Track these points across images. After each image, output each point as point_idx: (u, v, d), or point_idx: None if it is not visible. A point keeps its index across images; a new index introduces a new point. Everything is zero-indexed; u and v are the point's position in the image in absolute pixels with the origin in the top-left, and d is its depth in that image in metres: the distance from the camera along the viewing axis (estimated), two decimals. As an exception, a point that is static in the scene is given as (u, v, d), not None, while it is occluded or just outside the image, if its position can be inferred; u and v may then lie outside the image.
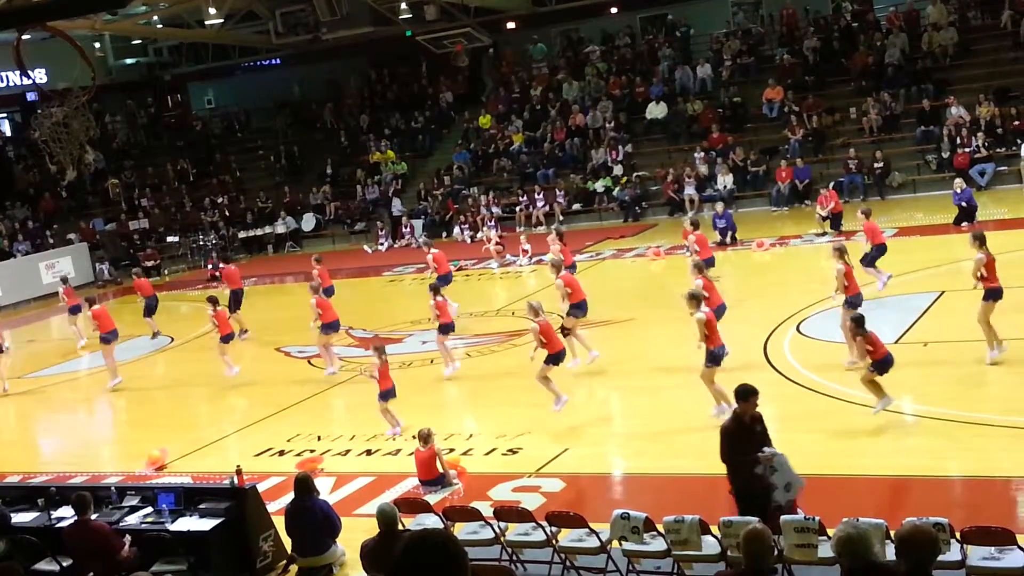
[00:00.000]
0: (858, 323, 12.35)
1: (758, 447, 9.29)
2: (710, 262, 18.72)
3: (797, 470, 9.42)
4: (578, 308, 16.52)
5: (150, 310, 22.75)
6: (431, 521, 9.92)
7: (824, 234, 24.02)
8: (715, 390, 12.96)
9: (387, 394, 14.02)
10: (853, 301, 14.38)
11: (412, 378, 16.40)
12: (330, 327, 17.87)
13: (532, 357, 14.13)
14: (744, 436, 9.34)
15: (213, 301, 18.58)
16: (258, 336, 21.64)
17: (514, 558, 9.63)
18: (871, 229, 17.96)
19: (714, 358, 13.04)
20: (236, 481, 10.60)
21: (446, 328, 16.73)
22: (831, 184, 26.81)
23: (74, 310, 22.90)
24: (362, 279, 27.15)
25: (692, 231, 19.68)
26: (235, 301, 21.78)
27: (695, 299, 13.30)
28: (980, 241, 13.98)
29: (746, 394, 9.45)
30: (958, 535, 8.07)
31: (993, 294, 13.68)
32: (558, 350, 14.07)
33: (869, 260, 17.61)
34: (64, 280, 24.44)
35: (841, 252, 14.64)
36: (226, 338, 18.44)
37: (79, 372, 21.18)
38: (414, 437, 13.09)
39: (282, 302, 22.16)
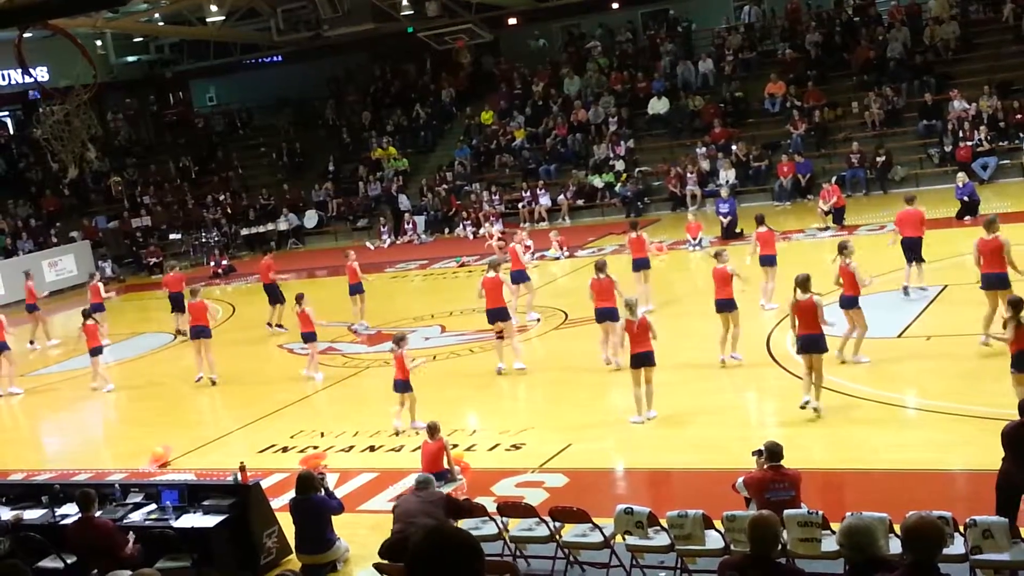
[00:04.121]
0: (1016, 307, 11.48)
1: None
2: (770, 260, 17.82)
3: (799, 465, 9.40)
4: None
5: (180, 306, 22.60)
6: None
7: (827, 229, 24.02)
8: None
9: (399, 385, 14.06)
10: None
11: (413, 373, 16.33)
12: (196, 332, 18.10)
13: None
14: None
15: (85, 314, 18.99)
16: (260, 333, 21.66)
17: (517, 554, 9.64)
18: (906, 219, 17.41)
19: None
20: (240, 478, 10.61)
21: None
22: (833, 179, 26.80)
23: (96, 308, 22.87)
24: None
25: (759, 225, 18.39)
26: (272, 296, 21.74)
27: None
28: (842, 250, 14.46)
29: None
30: (961, 528, 8.08)
31: (849, 302, 14.30)
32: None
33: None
34: (92, 276, 24.36)
35: (719, 255, 15.48)
36: (95, 351, 18.64)
37: (81, 370, 21.15)
38: (417, 433, 13.11)
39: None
